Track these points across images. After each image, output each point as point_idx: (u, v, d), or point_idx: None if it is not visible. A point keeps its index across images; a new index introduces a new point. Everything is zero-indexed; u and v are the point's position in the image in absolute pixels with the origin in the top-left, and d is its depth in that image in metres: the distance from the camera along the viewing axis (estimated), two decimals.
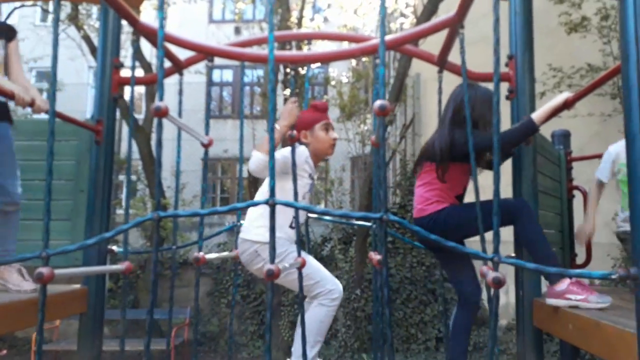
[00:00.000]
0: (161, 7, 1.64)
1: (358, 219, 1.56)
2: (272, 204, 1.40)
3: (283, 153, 2.49)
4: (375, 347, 2.26)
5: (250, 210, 2.63)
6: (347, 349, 7.18)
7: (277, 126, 2.46)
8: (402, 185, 8.22)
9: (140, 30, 2.27)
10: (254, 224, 2.56)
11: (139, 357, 6.53)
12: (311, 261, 2.59)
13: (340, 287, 2.60)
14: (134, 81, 2.24)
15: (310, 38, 2.69)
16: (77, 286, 2.67)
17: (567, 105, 2.24)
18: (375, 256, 2.06)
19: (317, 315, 2.50)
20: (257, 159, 2.37)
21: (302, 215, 2.72)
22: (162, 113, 1.58)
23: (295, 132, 2.10)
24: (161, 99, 1.62)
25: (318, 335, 2.53)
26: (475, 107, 2.33)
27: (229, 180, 13.89)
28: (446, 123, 2.47)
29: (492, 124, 2.30)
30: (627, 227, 2.78)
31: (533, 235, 2.20)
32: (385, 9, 1.47)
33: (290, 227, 2.63)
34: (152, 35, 2.22)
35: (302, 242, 2.75)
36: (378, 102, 1.48)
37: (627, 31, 1.43)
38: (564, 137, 3.38)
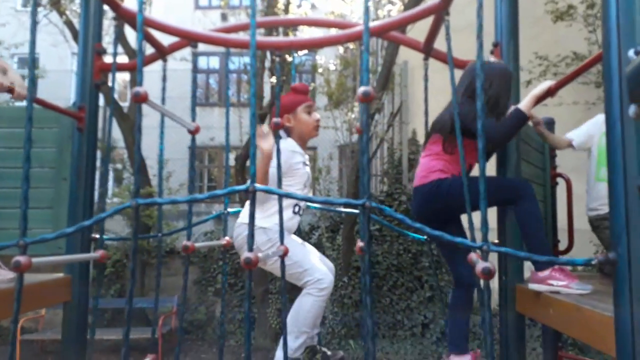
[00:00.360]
0: None
1: (341, 205, 1.56)
2: (252, 190, 1.39)
3: (273, 165, 2.42)
4: (363, 333, 2.28)
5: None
6: (335, 335, 7.24)
7: (259, 154, 2.43)
8: (389, 173, 8.25)
9: (122, 15, 2.23)
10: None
11: None
12: (301, 248, 2.57)
13: (331, 277, 2.54)
14: (115, 67, 2.20)
15: (295, 24, 2.65)
16: (60, 275, 2.64)
17: (550, 92, 2.24)
18: (359, 243, 2.05)
19: (303, 305, 2.45)
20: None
21: (303, 202, 2.73)
22: (141, 98, 1.56)
23: (279, 119, 2.08)
24: (140, 84, 1.59)
25: (304, 326, 2.46)
26: (492, 84, 2.31)
27: (217, 169, 13.80)
28: (459, 96, 2.41)
29: (507, 105, 2.34)
30: (598, 210, 2.79)
31: (532, 218, 2.18)
32: None
33: (294, 212, 2.64)
34: (133, 20, 2.18)
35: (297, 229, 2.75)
36: (362, 89, 1.47)
37: (608, 19, 1.44)
38: (548, 124, 3.39)
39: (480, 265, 1.36)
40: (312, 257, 2.59)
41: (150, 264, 8.21)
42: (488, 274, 1.34)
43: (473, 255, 1.43)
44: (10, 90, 2.04)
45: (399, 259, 7.53)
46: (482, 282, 1.43)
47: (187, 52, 2.65)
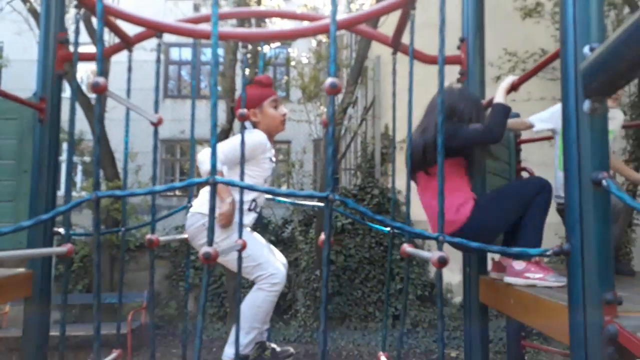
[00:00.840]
0: None
1: (304, 197, 1.57)
2: (212, 182, 1.37)
3: (236, 144, 2.34)
4: (336, 325, 2.28)
5: (205, 188, 2.56)
6: (307, 328, 7.27)
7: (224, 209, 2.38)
8: (362, 167, 8.29)
9: (84, 2, 2.17)
10: (206, 198, 2.48)
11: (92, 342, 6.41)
12: (256, 243, 2.53)
13: (283, 272, 2.50)
14: (77, 57, 2.15)
15: (265, 16, 2.63)
16: (22, 270, 2.57)
17: (513, 87, 2.28)
18: (322, 236, 2.07)
19: (254, 300, 2.40)
20: (205, 170, 2.34)
21: (262, 198, 2.69)
22: (100, 89, 1.53)
23: (245, 110, 2.06)
24: (100, 74, 1.56)
25: (254, 322, 2.42)
26: (465, 110, 2.19)
27: (189, 162, 13.66)
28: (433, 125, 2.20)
29: (482, 118, 2.21)
30: (563, 198, 2.84)
31: (543, 211, 2.09)
32: None
33: (249, 209, 2.57)
34: (95, 8, 2.12)
35: (256, 224, 2.72)
36: (329, 80, 1.48)
37: (565, 16, 1.47)
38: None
39: (436, 254, 1.39)
40: (266, 252, 2.55)
41: (119, 258, 8.08)
42: (443, 262, 1.38)
43: (407, 247, 1.46)
44: None
45: (371, 252, 7.60)
46: (435, 271, 1.47)
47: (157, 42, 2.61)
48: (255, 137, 2.53)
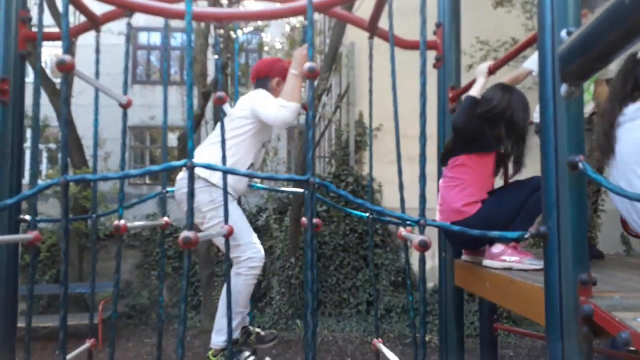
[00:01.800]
0: None
1: (285, 181, 1.54)
2: (190, 165, 1.33)
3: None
4: (306, 312, 2.29)
5: (200, 152, 2.53)
6: (282, 315, 7.27)
7: (294, 72, 2.40)
8: (336, 155, 8.28)
9: None
10: (211, 154, 2.44)
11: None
12: (241, 220, 2.51)
13: (261, 254, 2.50)
14: (41, 36, 2.05)
15: None
16: None
17: (490, 72, 2.29)
18: (303, 219, 2.05)
19: (234, 286, 2.39)
20: (294, 108, 2.39)
21: (259, 160, 2.72)
22: (67, 67, 1.46)
23: (223, 94, 2.00)
24: (66, 52, 1.49)
25: (237, 306, 2.43)
26: (515, 110, 2.17)
27: (159, 150, 13.36)
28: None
29: (526, 127, 2.21)
30: None
31: (531, 212, 2.07)
32: None
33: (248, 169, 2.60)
34: None
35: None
36: (307, 64, 1.45)
37: (543, 0, 1.47)
38: None
39: (417, 238, 1.38)
40: (248, 232, 2.53)
41: (88, 247, 7.88)
42: (424, 245, 1.37)
43: (403, 231, 1.46)
44: None
45: (346, 239, 7.62)
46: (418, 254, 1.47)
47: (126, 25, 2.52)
48: (262, 90, 2.58)
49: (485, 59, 7.29)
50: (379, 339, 2.50)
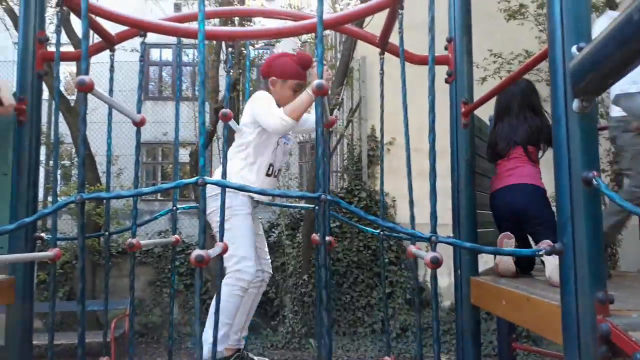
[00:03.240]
0: None
1: (296, 198, 1.54)
2: (201, 183, 1.34)
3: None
4: (319, 329, 2.27)
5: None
6: (295, 334, 7.20)
7: (310, 93, 2.41)
8: (349, 169, 8.27)
9: (67, 1, 2.12)
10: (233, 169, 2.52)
11: (75, 351, 6.29)
12: (241, 231, 2.50)
13: (252, 272, 2.49)
14: (59, 56, 2.09)
15: (249, 15, 2.60)
16: (3, 276, 2.49)
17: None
18: (316, 237, 2.04)
19: (221, 294, 2.35)
20: (291, 126, 2.43)
21: (279, 160, 2.74)
22: (87, 87, 1.49)
23: (228, 110, 2.02)
24: (86, 72, 1.51)
25: (222, 316, 2.36)
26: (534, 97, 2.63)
27: (170, 166, 13.47)
28: (514, 111, 2.65)
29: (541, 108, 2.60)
30: None
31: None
32: None
33: (267, 174, 2.63)
34: (78, 6, 2.07)
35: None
36: (315, 81, 1.46)
37: (553, 15, 1.47)
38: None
39: (429, 255, 1.37)
40: (246, 245, 2.51)
41: (101, 264, 7.93)
42: (436, 262, 1.36)
43: (412, 247, 1.45)
44: None
45: (359, 256, 7.56)
46: (430, 271, 1.45)
47: (138, 43, 2.57)
48: (265, 93, 2.59)
49: (498, 71, 7.28)
50: (392, 356, 2.46)
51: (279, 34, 2.26)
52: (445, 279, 6.26)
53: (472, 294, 2.39)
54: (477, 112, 2.56)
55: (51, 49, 2.49)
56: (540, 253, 1.45)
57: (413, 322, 7.22)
